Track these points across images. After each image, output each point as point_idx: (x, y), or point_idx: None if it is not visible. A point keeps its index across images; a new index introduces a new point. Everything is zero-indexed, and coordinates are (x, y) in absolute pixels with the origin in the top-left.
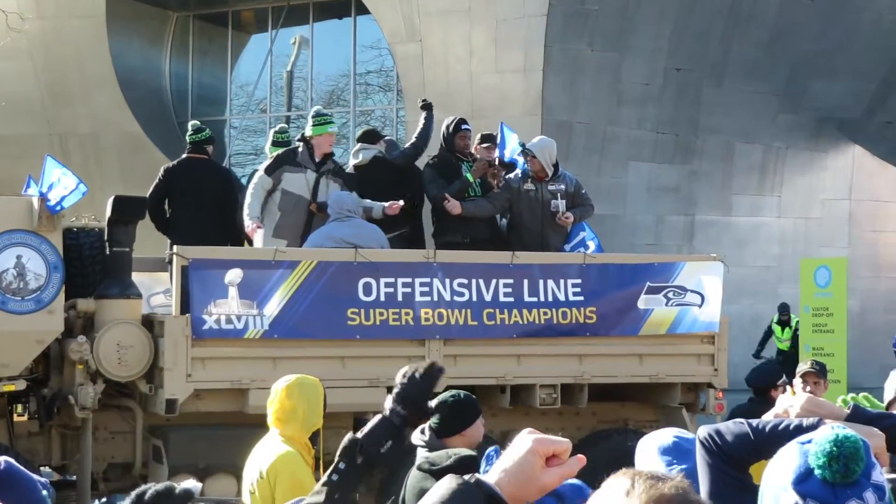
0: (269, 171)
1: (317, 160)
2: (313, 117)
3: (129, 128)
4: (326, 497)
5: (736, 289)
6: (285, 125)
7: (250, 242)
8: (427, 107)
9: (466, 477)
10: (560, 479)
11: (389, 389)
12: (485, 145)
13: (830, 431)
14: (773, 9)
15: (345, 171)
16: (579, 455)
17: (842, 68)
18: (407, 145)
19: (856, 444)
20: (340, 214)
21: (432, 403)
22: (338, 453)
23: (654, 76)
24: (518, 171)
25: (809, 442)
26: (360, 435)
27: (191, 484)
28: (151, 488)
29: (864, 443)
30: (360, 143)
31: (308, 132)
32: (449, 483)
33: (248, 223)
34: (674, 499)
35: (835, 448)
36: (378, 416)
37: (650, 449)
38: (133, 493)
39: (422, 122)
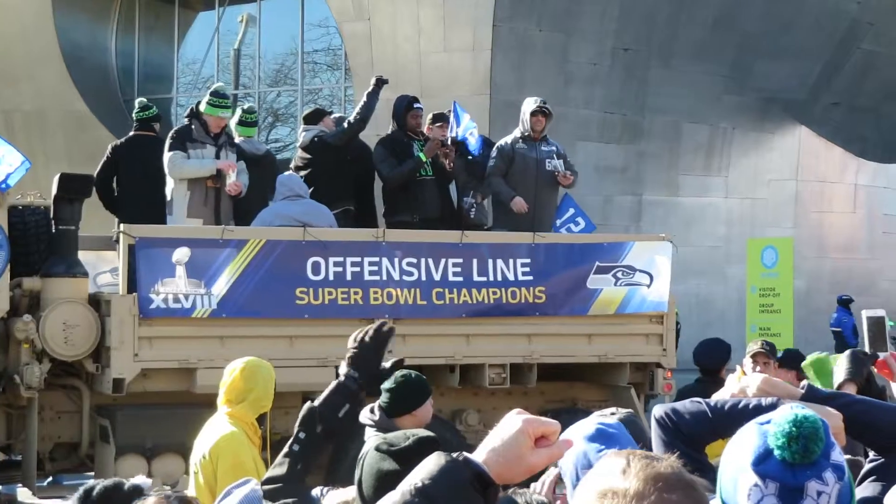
0: (178, 148)
1: (212, 134)
2: (212, 96)
3: (74, 105)
4: (289, 468)
5: (683, 269)
6: (254, 106)
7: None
8: (379, 82)
9: (454, 455)
10: (548, 460)
11: (338, 368)
12: (437, 124)
13: (789, 411)
14: None
15: (235, 140)
16: (567, 437)
17: (787, 50)
18: (344, 123)
19: (815, 424)
20: (291, 193)
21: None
22: (297, 424)
23: (602, 56)
24: (510, 136)
25: (768, 422)
26: (317, 403)
27: (140, 480)
28: (100, 484)
29: (823, 423)
30: (302, 125)
31: (202, 108)
32: (437, 460)
33: (220, 167)
34: (671, 476)
35: (794, 428)
36: (333, 383)
37: (576, 439)
38: (81, 489)
39: (364, 99)
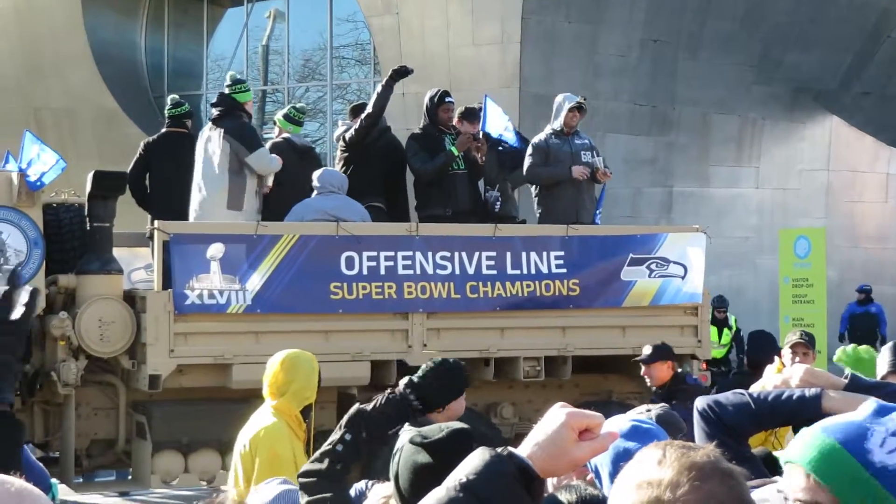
0: (262, 144)
1: None
2: (238, 83)
3: (104, 103)
4: (328, 466)
5: (715, 260)
6: (305, 107)
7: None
8: (395, 73)
9: (499, 449)
10: (592, 453)
11: (374, 363)
12: (467, 119)
13: None
14: None
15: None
16: (612, 430)
17: (816, 39)
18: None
19: None
20: (324, 189)
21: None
22: (343, 423)
23: (631, 48)
24: (542, 133)
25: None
26: (367, 407)
27: None
28: None
29: None
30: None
31: (239, 98)
32: (481, 455)
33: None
34: (706, 465)
35: None
36: (389, 394)
37: None
38: None
39: (377, 90)
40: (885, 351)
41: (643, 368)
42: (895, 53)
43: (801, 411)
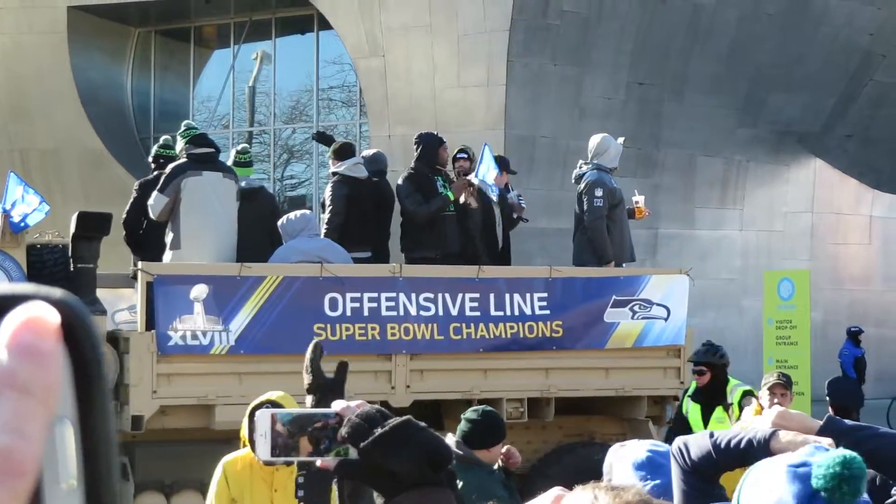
0: None
1: None
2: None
3: (90, 144)
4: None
5: (699, 301)
6: (247, 146)
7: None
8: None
9: None
10: None
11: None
12: (462, 157)
13: (835, 454)
14: (731, 23)
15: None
16: None
17: (800, 82)
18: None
19: (861, 464)
20: (310, 231)
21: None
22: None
23: (616, 90)
24: (603, 172)
25: (803, 465)
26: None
27: None
28: None
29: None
30: (359, 157)
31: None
32: None
33: None
34: None
35: (846, 470)
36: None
37: (624, 462)
38: None
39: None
40: None
41: None
42: (878, 96)
43: (752, 453)
